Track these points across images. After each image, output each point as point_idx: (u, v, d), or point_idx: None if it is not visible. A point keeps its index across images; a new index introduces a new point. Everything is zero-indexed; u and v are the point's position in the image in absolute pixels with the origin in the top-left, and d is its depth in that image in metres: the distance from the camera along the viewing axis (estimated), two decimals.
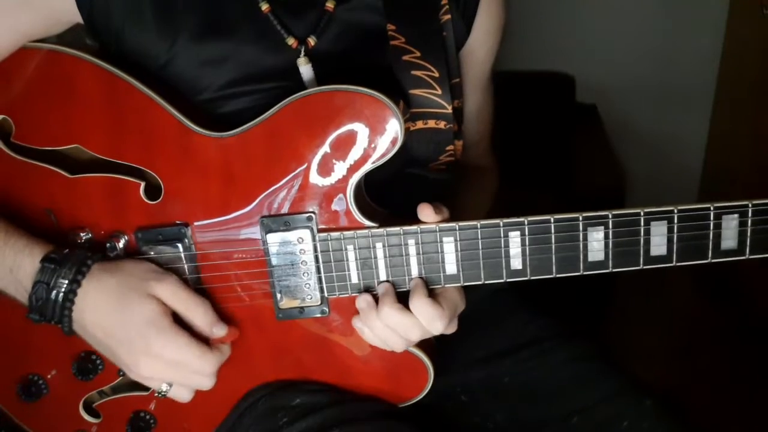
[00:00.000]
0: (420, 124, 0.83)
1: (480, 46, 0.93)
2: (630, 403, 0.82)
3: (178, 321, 0.74)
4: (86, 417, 0.85)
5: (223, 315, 0.78)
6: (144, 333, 0.72)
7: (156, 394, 0.76)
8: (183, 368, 0.74)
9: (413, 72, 0.82)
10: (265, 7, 0.81)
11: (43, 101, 0.78)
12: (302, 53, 0.81)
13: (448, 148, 0.85)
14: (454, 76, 0.86)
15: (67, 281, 0.72)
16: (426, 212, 0.74)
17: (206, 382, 0.76)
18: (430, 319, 0.72)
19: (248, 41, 0.81)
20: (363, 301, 0.76)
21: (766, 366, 2.02)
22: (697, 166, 2.59)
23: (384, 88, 0.73)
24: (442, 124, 0.84)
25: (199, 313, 0.75)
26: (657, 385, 0.85)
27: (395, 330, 0.74)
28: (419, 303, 0.72)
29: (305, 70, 0.81)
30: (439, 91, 0.82)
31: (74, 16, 0.79)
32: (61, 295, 0.72)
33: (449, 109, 0.83)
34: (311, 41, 0.82)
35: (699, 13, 2.38)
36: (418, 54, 0.82)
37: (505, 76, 1.13)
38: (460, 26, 0.89)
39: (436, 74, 0.83)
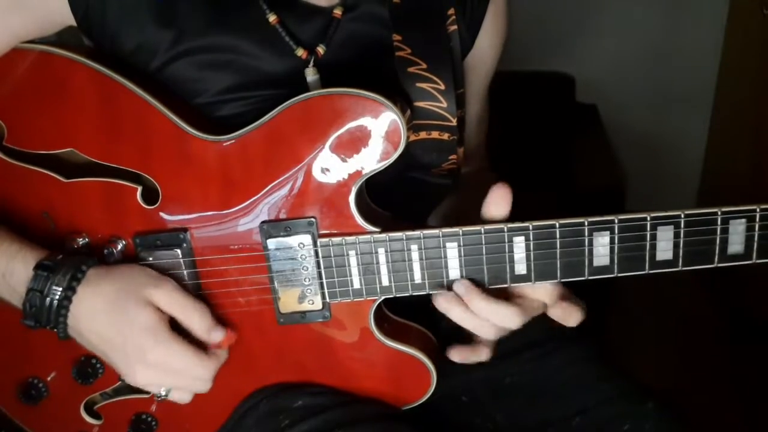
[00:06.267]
0: (423, 135, 0.82)
1: (482, 58, 0.93)
2: (631, 405, 0.81)
3: (175, 326, 0.73)
4: (88, 419, 0.84)
5: (223, 320, 0.77)
6: (140, 341, 0.71)
7: (156, 398, 0.75)
8: (180, 375, 0.73)
9: (418, 84, 0.81)
10: (272, 18, 0.79)
11: (35, 104, 0.77)
12: (311, 63, 0.80)
13: (450, 157, 0.85)
14: (460, 86, 0.85)
15: (61, 288, 0.71)
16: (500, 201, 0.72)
17: (204, 387, 0.75)
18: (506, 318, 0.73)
19: (252, 47, 0.79)
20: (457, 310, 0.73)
21: (766, 366, 2.02)
22: (697, 166, 2.59)
23: (388, 95, 0.72)
24: (445, 136, 0.83)
25: (195, 318, 0.74)
26: (657, 385, 0.85)
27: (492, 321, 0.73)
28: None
29: (312, 80, 0.80)
30: (445, 104, 0.81)
31: (68, 19, 0.78)
32: (56, 302, 0.71)
33: (454, 122, 0.82)
34: (320, 50, 0.81)
35: (699, 13, 2.38)
36: (424, 66, 0.81)
37: (505, 76, 1.12)
38: (466, 37, 0.88)
39: (442, 87, 0.81)
